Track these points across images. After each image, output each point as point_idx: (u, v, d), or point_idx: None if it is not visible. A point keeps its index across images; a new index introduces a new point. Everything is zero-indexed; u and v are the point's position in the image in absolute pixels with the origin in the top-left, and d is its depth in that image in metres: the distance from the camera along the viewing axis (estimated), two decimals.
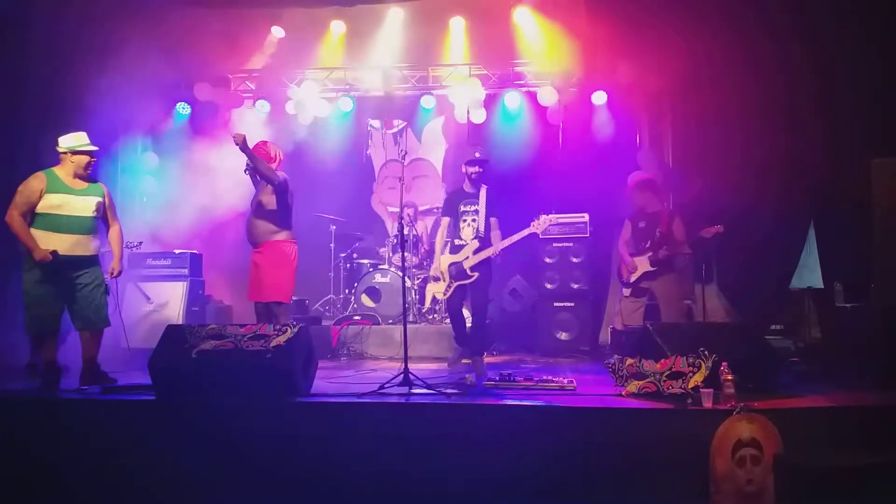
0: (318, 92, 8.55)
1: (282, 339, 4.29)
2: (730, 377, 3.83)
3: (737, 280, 6.91)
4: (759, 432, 3.55)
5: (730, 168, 6.64)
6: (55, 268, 4.69)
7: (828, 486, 3.45)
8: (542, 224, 5.77)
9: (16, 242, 4.75)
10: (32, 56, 6.73)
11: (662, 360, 4.18)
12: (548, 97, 8.17)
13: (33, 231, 4.69)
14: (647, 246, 6.21)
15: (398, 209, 5.31)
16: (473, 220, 5.80)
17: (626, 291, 6.34)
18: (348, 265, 8.44)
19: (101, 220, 5.03)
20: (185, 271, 7.23)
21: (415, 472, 3.82)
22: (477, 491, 3.75)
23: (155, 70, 7.25)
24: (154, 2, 7.43)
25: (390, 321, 7.55)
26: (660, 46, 6.97)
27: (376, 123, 9.46)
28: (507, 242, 5.76)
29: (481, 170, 5.85)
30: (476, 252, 5.75)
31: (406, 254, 5.22)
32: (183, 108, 8.42)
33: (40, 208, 4.71)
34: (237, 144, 5.19)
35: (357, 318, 7.58)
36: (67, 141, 4.90)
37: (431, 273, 5.82)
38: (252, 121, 8.53)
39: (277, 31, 8.56)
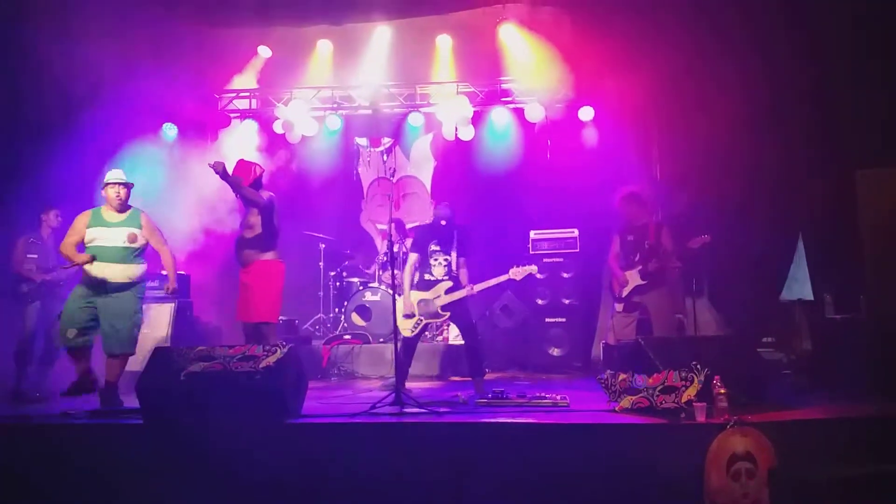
0: (306, 111, 8.55)
1: (271, 359, 4.24)
2: (723, 391, 3.82)
3: (727, 293, 6.92)
4: (753, 446, 3.53)
5: (718, 181, 6.68)
6: (91, 291, 5.05)
7: (824, 498, 3.44)
8: (520, 273, 5.77)
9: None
10: (21, 76, 6.70)
11: (655, 375, 4.15)
12: (535, 113, 8.22)
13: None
14: (637, 259, 6.21)
15: (387, 227, 5.28)
16: (445, 259, 5.78)
17: (619, 306, 6.32)
18: (338, 284, 8.40)
19: (145, 248, 5.31)
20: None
21: (408, 492, 3.77)
22: None
23: (141, 90, 7.23)
24: (140, 22, 7.43)
25: (381, 339, 7.50)
26: (646, 61, 7.04)
27: (363, 141, 9.46)
28: (483, 286, 5.80)
29: (451, 219, 5.83)
30: (449, 292, 5.74)
31: (396, 272, 5.17)
32: (170, 129, 8.38)
33: (86, 241, 5.14)
34: (217, 173, 5.13)
35: (347, 336, 7.54)
36: (105, 177, 5.30)
37: (404, 310, 5.73)
38: (239, 141, 8.51)
39: (264, 51, 8.57)
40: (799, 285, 6.48)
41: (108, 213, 5.22)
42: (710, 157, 6.79)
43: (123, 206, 5.26)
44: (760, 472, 3.50)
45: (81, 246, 5.13)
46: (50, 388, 5.89)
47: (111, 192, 5.22)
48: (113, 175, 5.28)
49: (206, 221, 6.57)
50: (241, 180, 5.31)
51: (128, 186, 5.29)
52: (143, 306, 6.90)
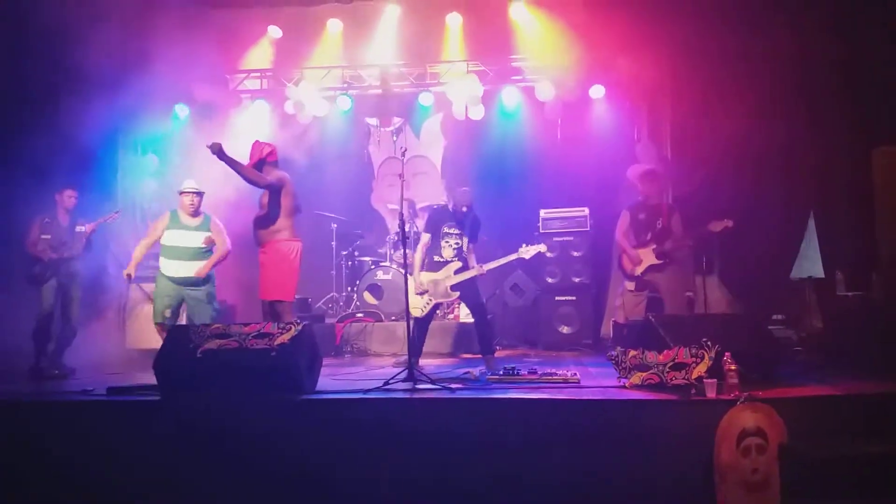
0: (316, 91, 8.54)
1: (286, 337, 4.30)
2: (733, 367, 3.84)
3: (738, 271, 6.92)
4: (763, 421, 3.56)
5: (729, 159, 6.64)
6: (174, 284, 5.87)
7: (834, 474, 3.45)
8: (530, 251, 5.83)
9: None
10: (28, 54, 6.73)
11: (665, 352, 4.18)
12: (545, 92, 8.16)
13: (161, 258, 5.90)
14: (649, 238, 6.20)
15: (398, 206, 5.30)
16: (456, 242, 5.84)
17: (630, 285, 6.31)
18: (350, 263, 8.46)
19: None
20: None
21: (421, 468, 3.82)
22: (481, 485, 3.76)
23: (152, 71, 7.25)
24: (149, 3, 7.43)
25: (393, 318, 7.56)
26: (657, 39, 6.97)
27: (374, 121, 9.45)
28: (494, 264, 5.88)
29: (472, 205, 5.91)
30: (458, 272, 5.80)
31: (408, 251, 5.20)
32: (181, 110, 8.41)
33: (164, 241, 5.89)
34: (214, 153, 5.17)
35: (360, 315, 7.60)
36: (181, 185, 5.99)
37: (416, 289, 5.76)
38: (251, 121, 8.53)
39: (274, 31, 8.55)
40: (810, 263, 6.47)
41: (185, 217, 5.94)
42: (721, 135, 6.73)
43: (196, 212, 5.97)
44: (771, 447, 3.53)
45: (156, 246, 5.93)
46: (68, 366, 6.00)
47: (185, 200, 5.92)
48: (187, 185, 5.94)
49: (220, 200, 6.62)
50: (237, 162, 5.29)
51: (200, 194, 5.98)
52: (154, 285, 7.07)
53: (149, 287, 7.05)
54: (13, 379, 5.55)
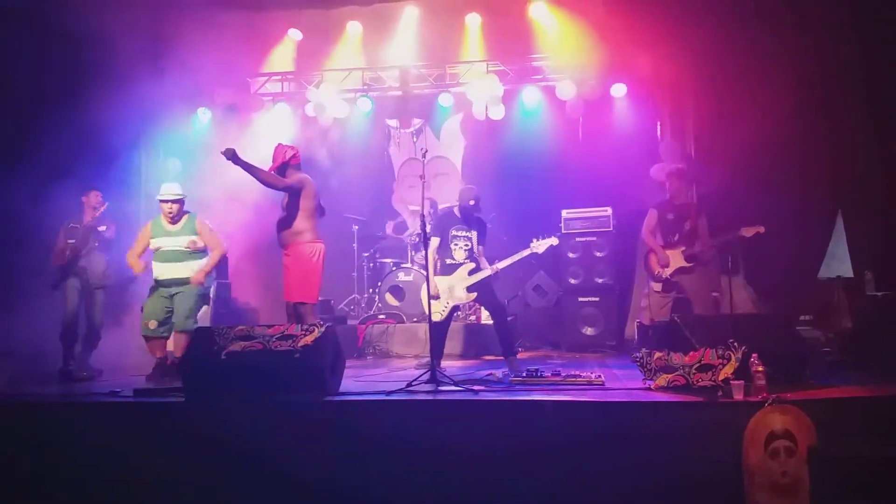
0: (336, 93, 8.58)
1: (309, 338, 4.31)
2: (760, 368, 3.78)
3: (763, 271, 6.83)
4: (792, 424, 3.50)
5: (755, 157, 6.55)
6: (165, 288, 5.75)
7: (864, 477, 3.39)
8: (541, 245, 5.77)
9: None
10: (50, 58, 6.82)
11: (691, 353, 4.13)
12: (566, 91, 8.12)
13: (153, 263, 5.79)
14: (677, 239, 6.12)
15: (419, 207, 5.29)
16: (466, 244, 5.80)
17: (657, 286, 6.21)
18: (371, 265, 8.49)
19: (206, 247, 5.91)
20: (212, 274, 7.26)
21: (443, 470, 3.81)
22: (504, 488, 3.74)
23: (174, 76, 7.32)
24: (171, 8, 7.50)
25: (415, 319, 7.57)
26: (679, 35, 6.90)
27: (394, 123, 9.47)
28: (507, 262, 5.81)
29: (478, 199, 5.85)
30: (472, 273, 5.76)
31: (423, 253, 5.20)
32: (203, 113, 8.49)
33: (153, 248, 5.80)
34: (228, 159, 5.12)
35: (382, 316, 7.62)
36: (159, 191, 5.85)
37: (432, 291, 5.60)
38: (272, 124, 8.59)
39: (295, 34, 8.61)
40: (838, 262, 6.37)
41: (167, 225, 5.82)
42: (745, 133, 6.64)
43: (176, 219, 5.82)
44: (800, 450, 3.47)
45: (148, 253, 5.82)
46: (95, 367, 6.08)
47: (164, 208, 5.79)
48: (164, 191, 5.80)
49: (243, 203, 6.67)
50: (253, 166, 5.24)
51: (179, 201, 5.82)
52: None
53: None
54: (42, 381, 5.63)
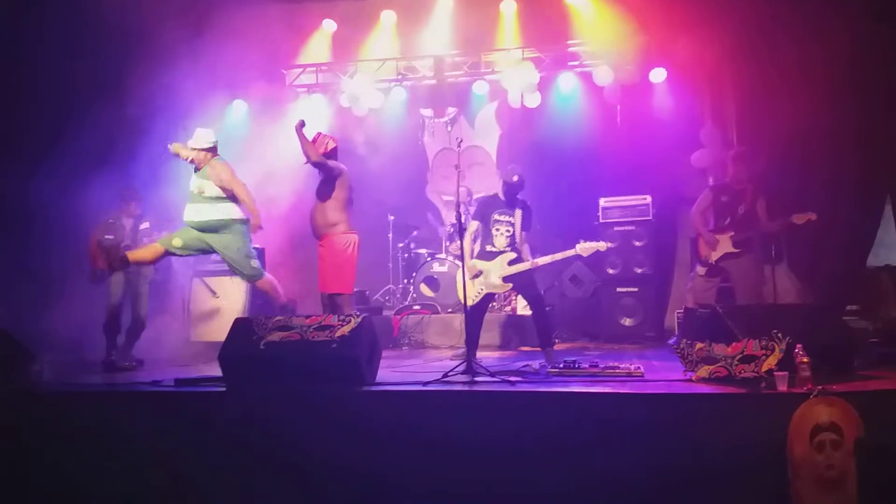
0: (370, 83, 8.58)
1: (346, 329, 4.34)
2: (805, 359, 3.68)
3: (808, 259, 6.64)
4: (838, 416, 3.40)
5: (799, 143, 6.35)
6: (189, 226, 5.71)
7: None
8: (587, 249, 5.54)
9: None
10: (87, 48, 6.90)
11: (734, 344, 4.04)
12: (604, 77, 7.99)
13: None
14: (727, 223, 5.95)
15: (453, 198, 5.25)
16: (508, 230, 5.60)
17: (702, 270, 6.05)
18: (406, 255, 8.50)
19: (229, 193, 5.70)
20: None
21: (480, 462, 3.80)
22: (542, 480, 3.72)
23: (209, 68, 7.38)
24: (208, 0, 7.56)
25: (449, 310, 7.56)
26: (722, 17, 6.70)
27: (428, 112, 9.44)
28: (548, 259, 5.59)
29: (522, 176, 5.65)
30: (512, 263, 5.56)
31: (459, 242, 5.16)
32: (239, 106, 8.56)
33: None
34: (295, 127, 5.48)
35: (417, 307, 7.63)
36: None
37: (469, 274, 5.50)
38: (307, 115, 8.61)
39: (329, 24, 8.62)
40: (887, 251, 6.17)
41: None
42: (790, 118, 6.44)
43: (198, 168, 5.68)
44: (846, 443, 3.37)
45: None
46: (137, 358, 6.21)
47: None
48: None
49: (279, 194, 6.72)
50: (310, 143, 5.50)
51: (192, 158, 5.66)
52: (216, 279, 7.22)
53: (212, 281, 7.25)
54: (85, 370, 5.76)
